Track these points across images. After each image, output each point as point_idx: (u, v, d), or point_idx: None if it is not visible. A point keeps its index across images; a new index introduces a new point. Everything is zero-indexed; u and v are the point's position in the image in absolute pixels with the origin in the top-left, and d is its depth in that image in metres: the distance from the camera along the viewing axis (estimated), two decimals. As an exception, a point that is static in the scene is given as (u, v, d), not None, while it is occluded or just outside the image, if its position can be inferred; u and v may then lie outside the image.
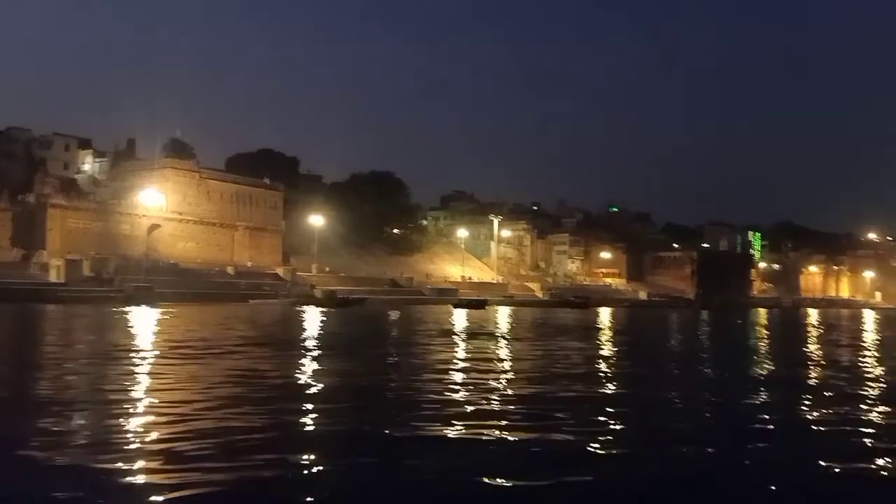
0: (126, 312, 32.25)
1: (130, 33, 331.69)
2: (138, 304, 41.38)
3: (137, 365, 11.46)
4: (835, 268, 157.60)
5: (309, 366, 11.99)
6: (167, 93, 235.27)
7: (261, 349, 15.30)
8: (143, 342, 16.51)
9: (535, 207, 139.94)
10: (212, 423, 6.64)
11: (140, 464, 5.14)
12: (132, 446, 5.69)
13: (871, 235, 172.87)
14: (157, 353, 13.84)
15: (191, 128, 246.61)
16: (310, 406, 7.81)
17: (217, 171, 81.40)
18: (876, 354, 17.90)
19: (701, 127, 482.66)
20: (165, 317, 29.83)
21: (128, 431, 6.26)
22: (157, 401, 7.92)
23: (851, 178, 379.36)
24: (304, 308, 45.86)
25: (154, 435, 6.10)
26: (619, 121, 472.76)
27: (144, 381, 9.66)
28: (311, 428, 6.71)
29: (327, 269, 78.82)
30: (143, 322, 25.41)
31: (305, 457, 5.40)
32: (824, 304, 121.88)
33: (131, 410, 7.31)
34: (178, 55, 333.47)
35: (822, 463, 5.57)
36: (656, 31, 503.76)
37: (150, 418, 6.90)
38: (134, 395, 8.41)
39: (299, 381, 9.94)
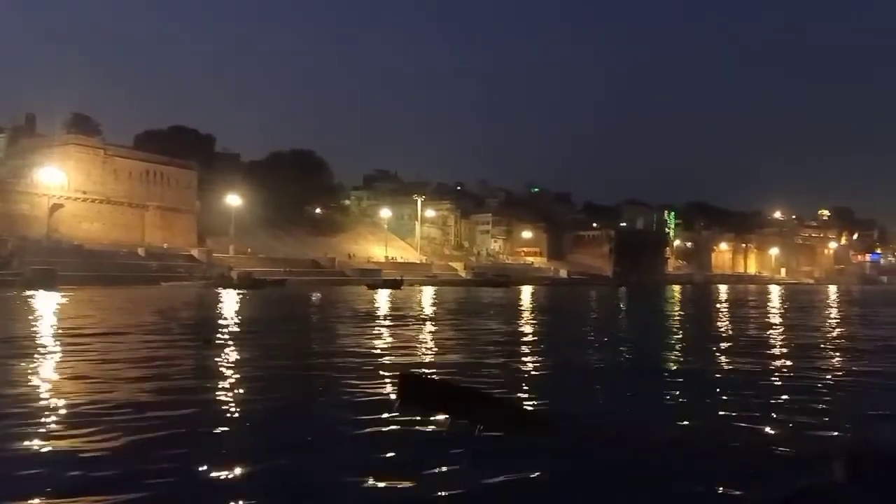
0: (25, 297, 30.38)
1: (31, 5, 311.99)
2: (39, 288, 38.99)
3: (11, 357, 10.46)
4: (743, 245, 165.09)
5: (207, 355, 11.21)
6: (70, 67, 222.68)
7: (155, 335, 14.39)
8: (26, 330, 15.29)
9: (459, 188, 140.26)
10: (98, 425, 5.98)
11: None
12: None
13: (777, 214, 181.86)
14: (40, 341, 12.74)
15: (96, 104, 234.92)
16: (200, 410, 7.19)
17: (124, 148, 77.56)
18: (780, 326, 18.58)
19: (620, 109, 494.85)
20: (64, 301, 28.10)
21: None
22: (27, 405, 7.13)
23: (759, 159, 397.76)
24: (220, 290, 44.42)
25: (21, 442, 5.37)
26: (539, 102, 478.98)
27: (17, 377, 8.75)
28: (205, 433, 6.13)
29: (249, 250, 76.71)
30: (36, 307, 23.79)
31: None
32: (733, 279, 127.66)
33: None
34: (83, 28, 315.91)
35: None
36: (575, 16, 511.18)
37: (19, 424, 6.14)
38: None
39: (193, 374, 9.27)
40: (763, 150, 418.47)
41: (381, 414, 5.99)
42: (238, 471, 4.49)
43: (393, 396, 6.63)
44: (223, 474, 4.42)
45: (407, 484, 4.27)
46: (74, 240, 62.82)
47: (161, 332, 15.00)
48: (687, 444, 5.24)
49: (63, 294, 33.79)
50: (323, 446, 5.18)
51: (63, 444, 5.09)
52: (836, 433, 5.70)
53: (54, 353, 10.70)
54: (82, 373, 8.61)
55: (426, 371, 7.81)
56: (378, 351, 11.21)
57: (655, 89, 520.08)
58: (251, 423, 5.95)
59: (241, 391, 7.48)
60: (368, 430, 5.57)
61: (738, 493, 4.13)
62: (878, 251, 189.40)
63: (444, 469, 4.50)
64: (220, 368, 9.22)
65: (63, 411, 6.22)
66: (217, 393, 7.30)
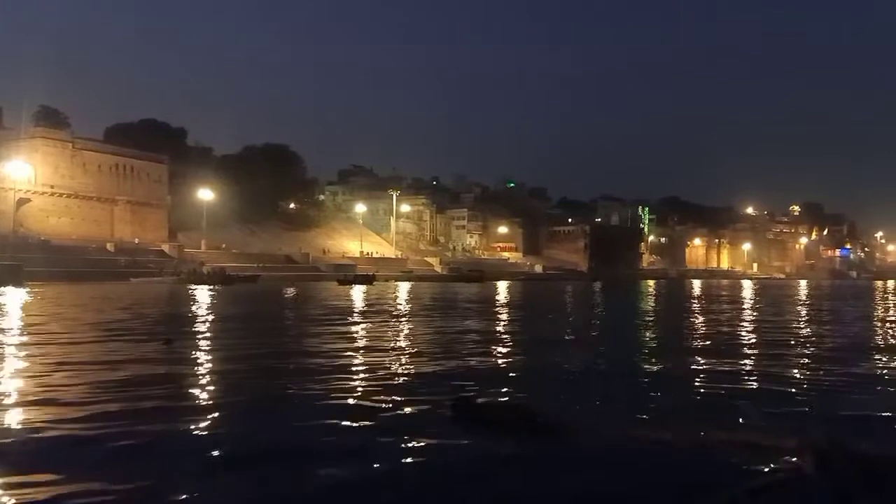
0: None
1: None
2: (4, 285, 38.18)
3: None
4: (716, 241, 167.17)
5: (167, 356, 10.85)
6: (38, 59, 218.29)
7: (115, 334, 13.96)
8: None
9: (435, 182, 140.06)
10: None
11: None
12: None
13: (749, 210, 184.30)
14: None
15: (65, 96, 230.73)
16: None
17: (94, 141, 76.24)
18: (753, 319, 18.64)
19: (595, 106, 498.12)
20: (28, 298, 27.44)
21: None
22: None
23: (731, 157, 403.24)
24: (190, 286, 43.77)
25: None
26: (516, 99, 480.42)
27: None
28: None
29: (223, 245, 75.89)
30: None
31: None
32: (706, 274, 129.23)
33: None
34: (52, 19, 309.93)
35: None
36: (550, 15, 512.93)
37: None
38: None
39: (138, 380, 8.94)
40: (736, 146, 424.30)
41: (358, 420, 5.77)
42: (202, 485, 4.20)
43: (352, 401, 6.57)
44: (185, 490, 4.13)
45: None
46: (42, 235, 61.75)
47: (122, 330, 14.55)
48: (665, 441, 5.19)
49: (29, 291, 33.16)
50: (287, 456, 4.90)
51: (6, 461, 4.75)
52: (806, 429, 5.64)
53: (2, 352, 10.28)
54: (31, 374, 8.25)
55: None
56: (345, 352, 10.95)
57: (631, 87, 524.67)
58: (212, 432, 5.65)
59: (202, 395, 7.18)
60: (350, 435, 5.36)
61: (710, 486, 4.05)
62: (848, 246, 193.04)
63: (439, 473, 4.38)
64: (181, 370, 8.90)
65: (6, 417, 5.88)
66: (175, 397, 7.00)
